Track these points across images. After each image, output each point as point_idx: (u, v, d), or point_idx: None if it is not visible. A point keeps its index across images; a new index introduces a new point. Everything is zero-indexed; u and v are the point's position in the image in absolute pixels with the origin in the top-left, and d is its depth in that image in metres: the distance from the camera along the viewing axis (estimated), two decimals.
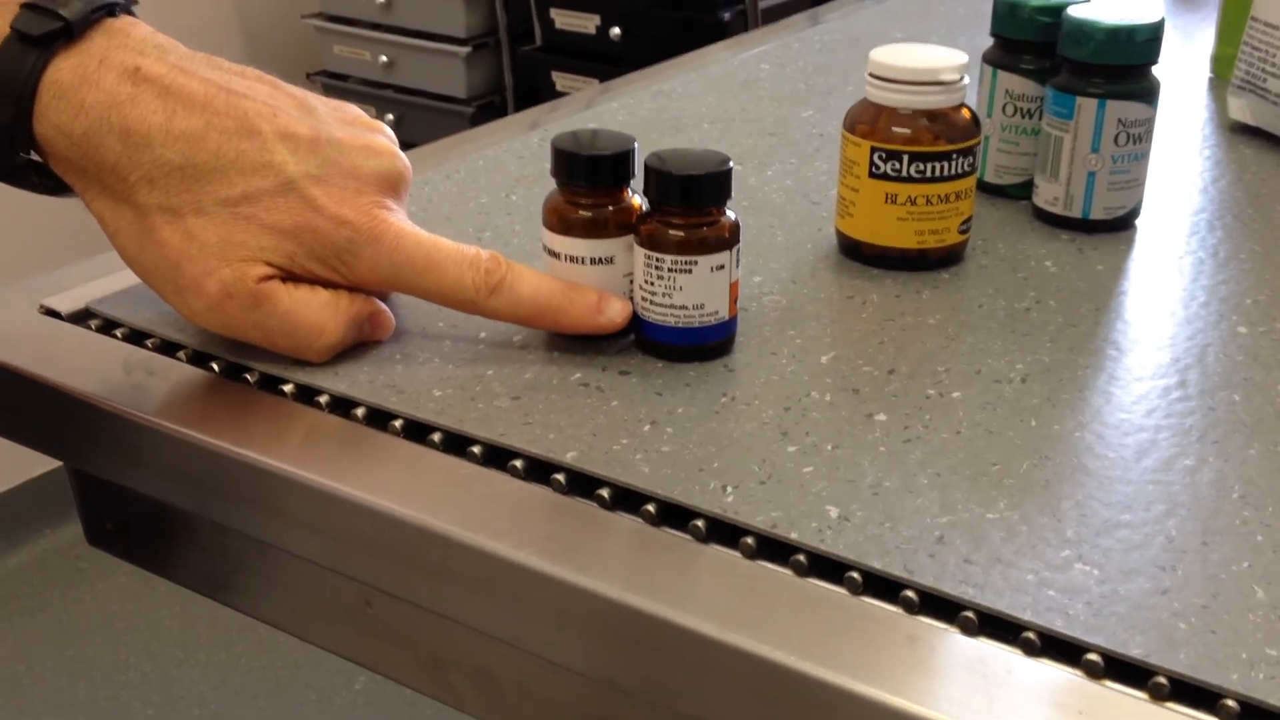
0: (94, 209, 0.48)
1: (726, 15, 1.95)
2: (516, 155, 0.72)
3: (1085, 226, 0.63)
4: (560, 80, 2.13)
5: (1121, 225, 0.63)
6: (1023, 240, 0.62)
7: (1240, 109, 0.77)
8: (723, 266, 0.50)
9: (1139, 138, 0.61)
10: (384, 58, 2.26)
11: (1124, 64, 0.60)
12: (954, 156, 0.57)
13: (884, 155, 0.57)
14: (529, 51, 2.15)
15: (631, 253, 0.51)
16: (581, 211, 0.51)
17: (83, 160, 0.46)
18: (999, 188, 0.66)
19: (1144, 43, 0.60)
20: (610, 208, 0.51)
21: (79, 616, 1.89)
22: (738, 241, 0.50)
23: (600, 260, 0.51)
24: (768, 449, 0.45)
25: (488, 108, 2.25)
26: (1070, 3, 0.63)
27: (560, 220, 0.51)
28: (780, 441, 0.45)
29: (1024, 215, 0.64)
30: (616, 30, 2.02)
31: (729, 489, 0.43)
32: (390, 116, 2.31)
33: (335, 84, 2.36)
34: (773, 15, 1.97)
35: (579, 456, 0.44)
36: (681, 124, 0.77)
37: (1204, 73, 0.88)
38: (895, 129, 0.57)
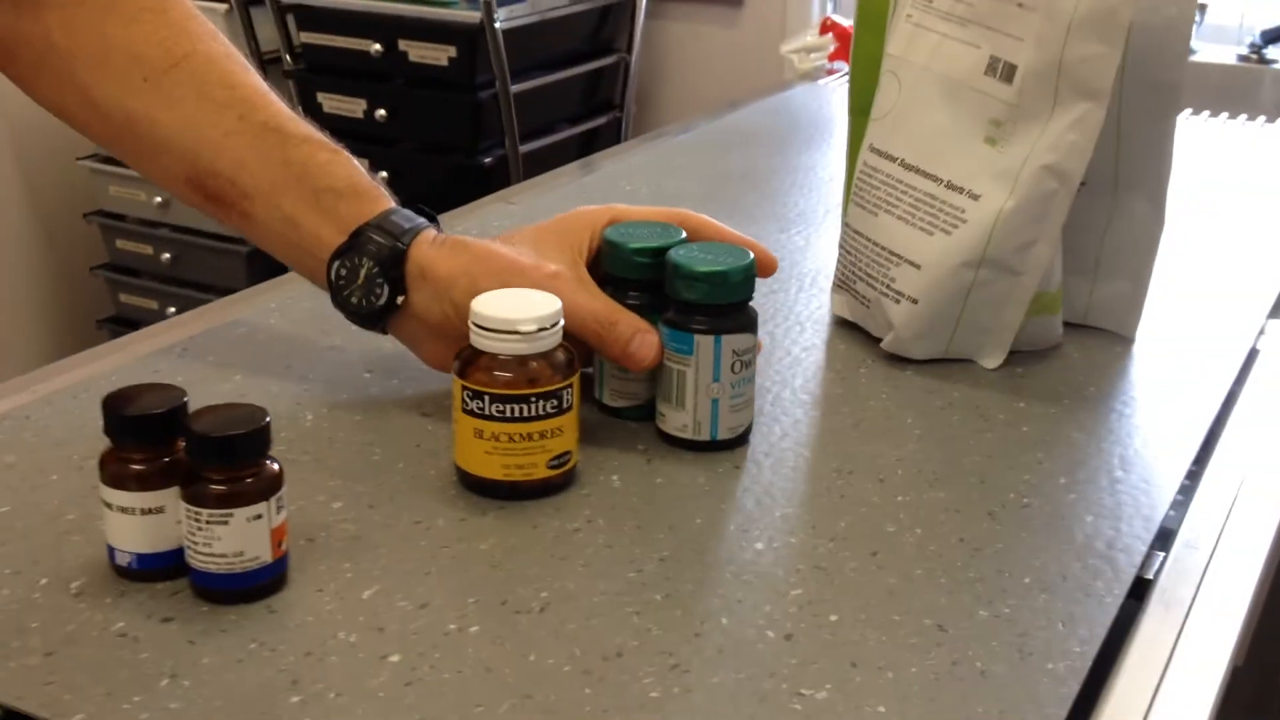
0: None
1: (488, 160, 2.02)
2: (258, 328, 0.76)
3: (714, 447, 0.68)
4: None
5: (742, 440, 0.69)
6: (634, 458, 0.67)
7: (840, 304, 0.84)
8: (260, 516, 0.54)
9: (748, 363, 0.67)
10: (158, 198, 2.27)
11: (730, 302, 0.66)
12: (534, 399, 0.62)
13: (471, 394, 0.62)
14: None
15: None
16: (133, 465, 0.54)
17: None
18: (616, 410, 0.71)
19: (743, 281, 0.66)
20: (165, 459, 0.55)
21: None
22: (279, 489, 0.54)
23: (150, 510, 0.54)
24: (272, 702, 0.48)
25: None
26: (667, 244, 0.68)
27: (112, 475, 0.54)
28: (287, 692, 0.49)
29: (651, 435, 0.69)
30: (384, 174, 2.07)
31: None
32: (166, 256, 2.31)
33: (112, 224, 2.36)
34: (533, 159, 2.05)
35: None
36: None
37: None
38: (492, 371, 0.61)
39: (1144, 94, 0.78)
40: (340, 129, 2.10)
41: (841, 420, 0.72)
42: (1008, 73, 0.75)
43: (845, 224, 0.84)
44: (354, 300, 0.70)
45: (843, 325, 0.84)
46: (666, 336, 0.67)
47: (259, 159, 0.70)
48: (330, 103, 2.09)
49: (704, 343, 0.66)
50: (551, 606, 0.55)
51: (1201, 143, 1.38)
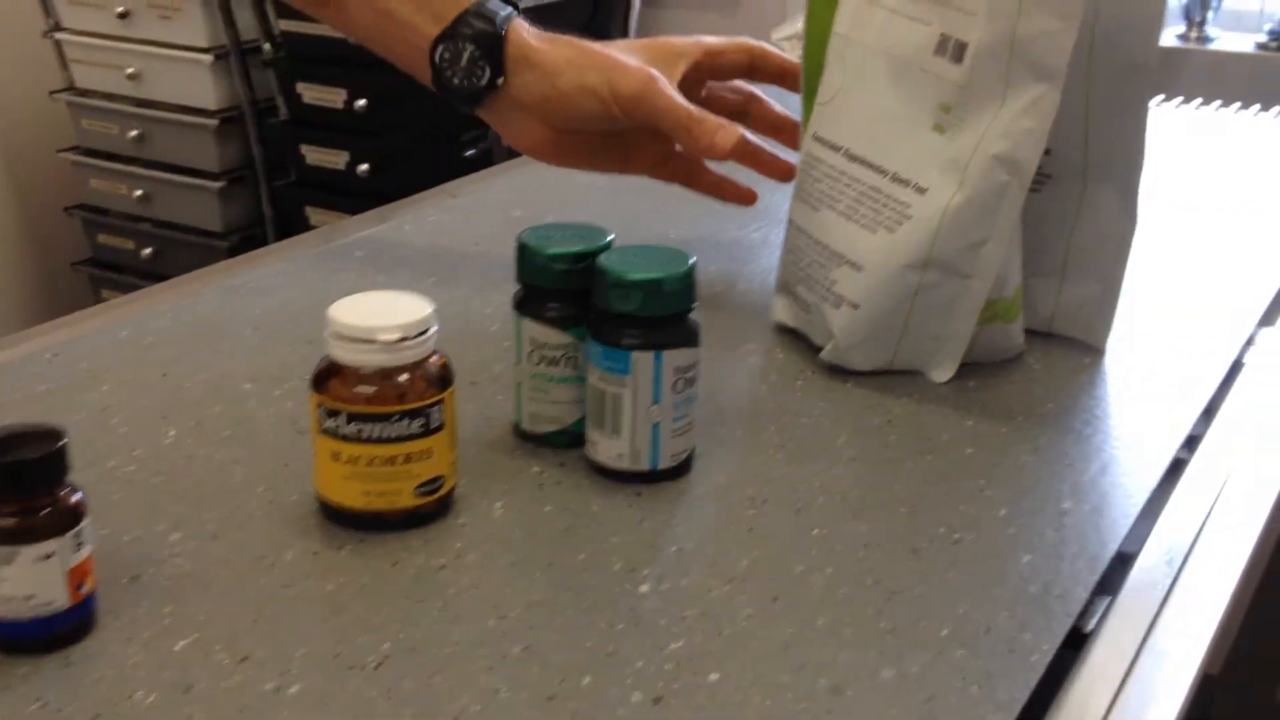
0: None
1: (471, 152, 1.95)
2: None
3: (655, 477, 0.60)
4: (313, 215, 2.11)
5: (685, 468, 0.61)
6: (547, 494, 0.60)
7: (782, 309, 0.77)
8: (52, 555, 0.47)
9: (691, 381, 0.60)
10: (139, 191, 2.22)
11: (671, 313, 0.59)
12: (396, 418, 0.54)
13: (327, 412, 0.55)
14: (283, 186, 2.13)
15: None
16: None
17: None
18: (539, 436, 0.63)
19: (684, 290, 0.58)
20: None
21: None
22: (79, 523, 0.47)
23: None
24: None
25: (249, 240, 2.22)
26: (591, 249, 0.61)
27: None
28: None
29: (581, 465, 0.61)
30: (365, 166, 2.01)
31: None
32: (147, 251, 2.26)
33: (94, 217, 2.31)
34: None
35: None
36: None
37: None
38: (352, 386, 0.54)
39: (1114, 78, 0.70)
40: (320, 120, 2.05)
41: (767, 440, 0.64)
42: (958, 51, 0.67)
43: (790, 221, 0.76)
44: (456, 81, 0.76)
45: (787, 332, 0.76)
46: (598, 355, 0.59)
47: None
48: (310, 93, 2.02)
49: (642, 360, 0.58)
50: (391, 660, 0.47)
51: (1216, 135, 1.29)
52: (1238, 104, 1.55)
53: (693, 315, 0.60)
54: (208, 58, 2.07)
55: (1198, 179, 1.09)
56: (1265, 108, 1.56)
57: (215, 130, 2.11)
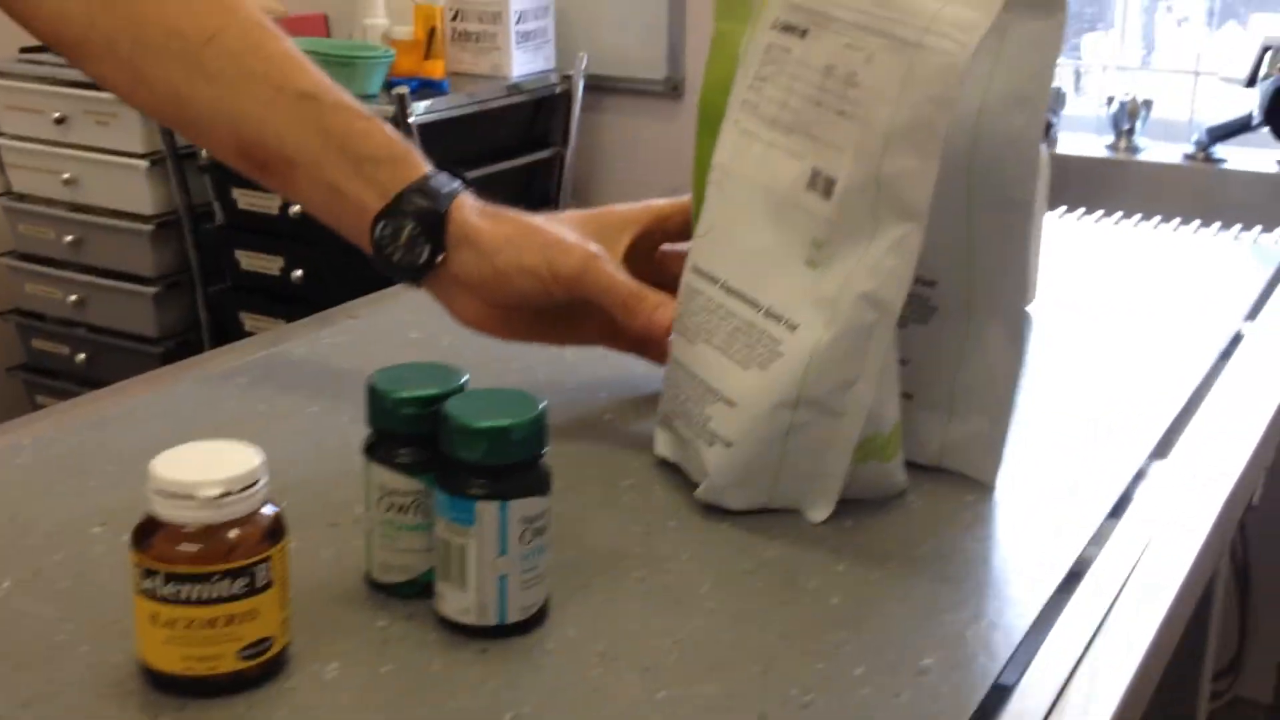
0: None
1: None
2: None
3: (503, 632, 0.57)
4: (249, 320, 2.09)
5: (538, 621, 0.58)
6: (387, 651, 0.57)
7: (663, 443, 0.75)
8: None
9: (541, 530, 0.57)
10: (73, 296, 2.19)
11: (518, 460, 0.56)
12: (216, 578, 0.52)
13: (144, 571, 0.52)
14: (218, 292, 2.11)
15: None
16: None
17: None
18: (389, 586, 0.60)
19: (532, 437, 0.56)
20: None
21: None
22: None
23: None
24: None
25: (183, 345, 2.19)
26: (441, 394, 0.58)
27: None
28: None
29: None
30: (299, 272, 1.99)
31: None
32: (81, 356, 2.23)
33: (29, 322, 2.28)
34: None
35: None
36: None
37: None
38: (172, 544, 0.52)
39: (993, 213, 0.69)
40: (255, 225, 2.04)
41: (628, 587, 0.62)
42: (827, 187, 0.66)
43: (673, 356, 0.74)
44: (395, 258, 0.74)
45: (670, 466, 0.74)
46: (444, 504, 0.57)
47: (299, 129, 0.74)
48: (245, 198, 2.01)
49: (486, 510, 0.56)
50: None
51: (1139, 249, 1.29)
52: (1158, 217, 1.55)
53: (543, 461, 0.58)
54: (144, 163, 2.06)
55: (1104, 299, 1.09)
56: (1185, 221, 1.57)
57: (151, 235, 2.10)
